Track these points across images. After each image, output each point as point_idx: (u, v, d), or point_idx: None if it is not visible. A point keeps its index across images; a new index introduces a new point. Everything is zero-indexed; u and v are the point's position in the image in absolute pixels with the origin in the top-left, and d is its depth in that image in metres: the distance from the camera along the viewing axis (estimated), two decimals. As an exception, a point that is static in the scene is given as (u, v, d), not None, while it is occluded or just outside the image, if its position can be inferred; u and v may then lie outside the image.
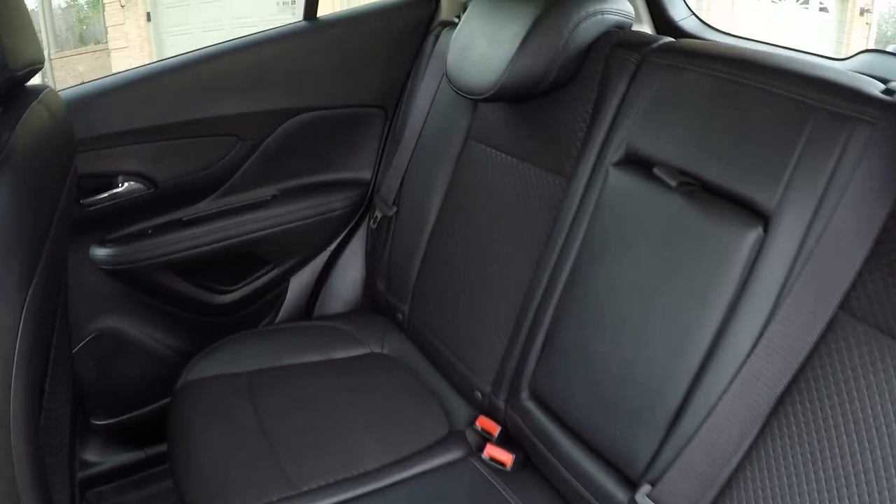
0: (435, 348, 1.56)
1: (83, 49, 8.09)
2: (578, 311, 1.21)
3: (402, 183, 1.74)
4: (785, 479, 0.93)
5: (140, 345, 1.76)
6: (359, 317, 1.81)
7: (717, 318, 1.01)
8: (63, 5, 8.63)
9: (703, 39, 1.54)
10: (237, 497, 1.22)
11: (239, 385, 1.48)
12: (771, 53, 1.12)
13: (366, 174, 1.89)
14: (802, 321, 0.92)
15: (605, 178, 1.22)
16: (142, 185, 1.62)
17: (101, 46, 7.76)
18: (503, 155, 1.46)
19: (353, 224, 1.93)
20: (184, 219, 1.72)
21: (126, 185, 1.61)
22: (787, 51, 1.44)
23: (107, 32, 7.64)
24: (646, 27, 1.61)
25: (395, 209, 1.74)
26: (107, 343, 1.71)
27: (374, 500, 1.23)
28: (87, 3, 8.67)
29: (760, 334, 0.96)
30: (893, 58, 1.31)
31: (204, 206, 1.74)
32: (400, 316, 1.68)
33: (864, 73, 1.21)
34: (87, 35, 8.52)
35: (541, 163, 1.37)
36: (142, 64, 1.68)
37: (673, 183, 1.08)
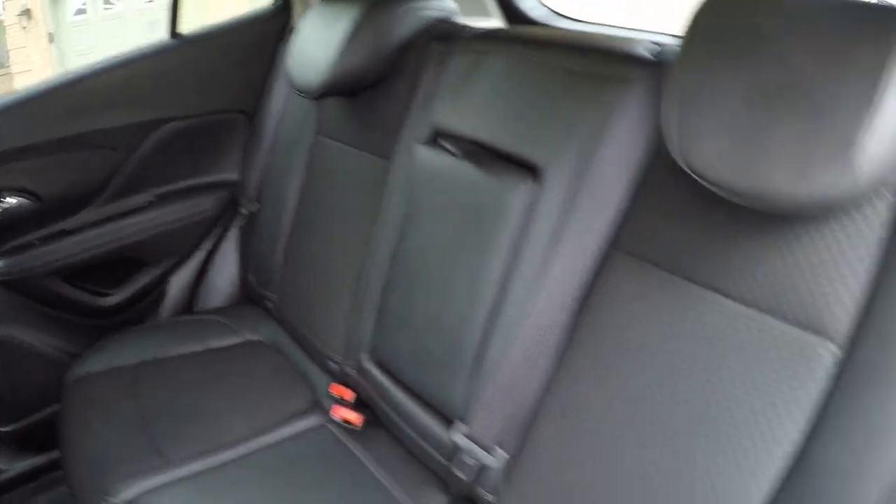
0: (297, 329, 1.70)
1: (-15, 74, 7.94)
2: (400, 277, 1.36)
3: (262, 181, 1.89)
4: (578, 403, 1.05)
5: (36, 350, 1.84)
6: (235, 309, 1.93)
7: (501, 268, 1.15)
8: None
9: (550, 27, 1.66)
10: (116, 476, 1.31)
11: (122, 379, 1.58)
12: (567, 32, 1.28)
13: (233, 175, 2.01)
14: (578, 261, 1.06)
15: (415, 156, 1.37)
16: (27, 200, 1.72)
17: (3, 71, 7.62)
18: (343, 146, 1.62)
19: (224, 223, 2.04)
20: (68, 228, 1.81)
21: (12, 199, 1.70)
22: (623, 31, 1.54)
23: (9, 56, 7.50)
24: (495, 19, 1.71)
25: (257, 206, 1.89)
26: (4, 351, 1.79)
27: (237, 465, 1.35)
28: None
29: (540, 277, 1.09)
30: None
31: (86, 215, 1.83)
32: (270, 304, 1.81)
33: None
34: (-8, 58, 8.34)
35: (371, 149, 1.53)
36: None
37: (458, 152, 1.25)
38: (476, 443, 1.16)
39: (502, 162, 1.20)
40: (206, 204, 1.98)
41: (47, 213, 1.77)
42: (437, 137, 1.35)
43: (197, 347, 1.71)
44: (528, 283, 1.12)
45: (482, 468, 1.18)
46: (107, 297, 1.93)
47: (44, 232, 1.80)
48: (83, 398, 1.55)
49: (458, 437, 1.18)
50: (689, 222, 0.96)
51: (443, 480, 1.29)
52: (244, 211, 1.94)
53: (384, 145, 1.49)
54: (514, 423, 1.13)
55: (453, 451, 1.21)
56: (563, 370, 1.08)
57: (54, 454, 1.86)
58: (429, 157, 1.34)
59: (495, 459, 1.14)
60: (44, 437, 1.86)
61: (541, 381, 1.10)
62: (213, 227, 2.03)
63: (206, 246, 2.05)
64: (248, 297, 1.97)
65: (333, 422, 1.46)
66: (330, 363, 1.56)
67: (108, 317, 1.95)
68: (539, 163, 1.14)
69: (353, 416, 1.44)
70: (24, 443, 1.88)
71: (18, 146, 1.67)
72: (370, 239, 1.47)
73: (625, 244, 1.03)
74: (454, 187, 1.26)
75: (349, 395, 1.49)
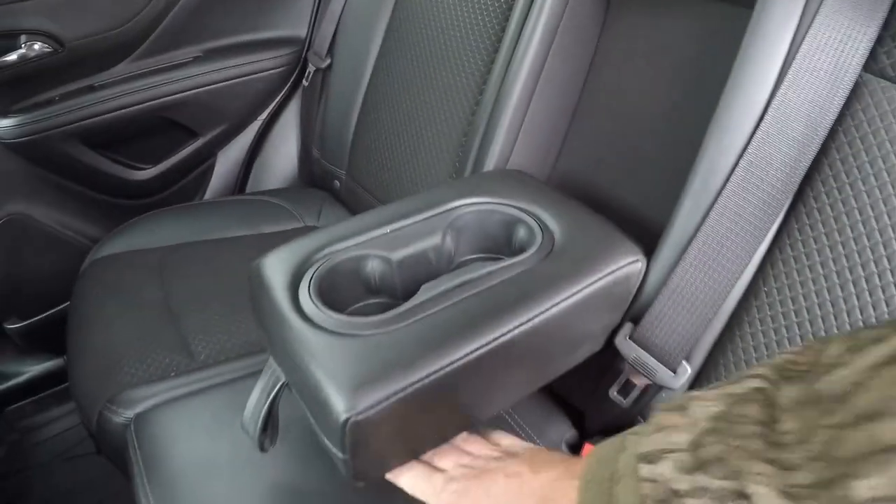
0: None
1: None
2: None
3: (336, 30, 1.52)
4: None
5: (54, 234, 1.55)
6: (295, 192, 1.60)
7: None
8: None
9: None
10: (128, 373, 1.02)
11: (150, 261, 1.28)
12: None
13: (300, 31, 1.67)
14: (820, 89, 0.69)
15: None
16: (47, 46, 1.38)
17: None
18: None
19: (286, 90, 1.71)
20: (95, 84, 1.48)
21: (29, 45, 1.37)
22: None
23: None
24: None
25: (328, 60, 1.53)
26: (15, 231, 1.50)
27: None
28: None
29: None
30: None
31: (119, 71, 1.50)
32: (337, 184, 1.49)
33: None
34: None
35: None
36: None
37: None
38: (653, 354, 0.78)
39: None
40: (264, 61, 1.62)
41: (72, 64, 1.44)
42: None
43: (244, 231, 1.39)
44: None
45: (647, 392, 0.81)
46: (141, 171, 1.61)
47: (67, 88, 1.47)
48: (96, 283, 1.25)
49: (626, 343, 0.79)
50: None
51: (576, 409, 0.95)
52: (311, 69, 1.58)
53: None
54: (698, 325, 0.75)
55: (607, 363, 0.84)
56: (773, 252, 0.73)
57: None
58: None
59: (677, 379, 0.77)
60: (61, 336, 1.57)
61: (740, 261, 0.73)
62: (272, 91, 1.68)
63: (263, 115, 1.71)
64: (311, 179, 1.64)
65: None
66: None
67: (142, 195, 1.63)
68: None
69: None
70: (38, 343, 1.61)
71: None
72: (493, 70, 1.08)
73: (880, 66, 0.68)
74: None
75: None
